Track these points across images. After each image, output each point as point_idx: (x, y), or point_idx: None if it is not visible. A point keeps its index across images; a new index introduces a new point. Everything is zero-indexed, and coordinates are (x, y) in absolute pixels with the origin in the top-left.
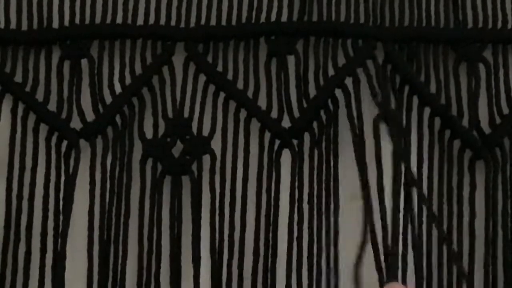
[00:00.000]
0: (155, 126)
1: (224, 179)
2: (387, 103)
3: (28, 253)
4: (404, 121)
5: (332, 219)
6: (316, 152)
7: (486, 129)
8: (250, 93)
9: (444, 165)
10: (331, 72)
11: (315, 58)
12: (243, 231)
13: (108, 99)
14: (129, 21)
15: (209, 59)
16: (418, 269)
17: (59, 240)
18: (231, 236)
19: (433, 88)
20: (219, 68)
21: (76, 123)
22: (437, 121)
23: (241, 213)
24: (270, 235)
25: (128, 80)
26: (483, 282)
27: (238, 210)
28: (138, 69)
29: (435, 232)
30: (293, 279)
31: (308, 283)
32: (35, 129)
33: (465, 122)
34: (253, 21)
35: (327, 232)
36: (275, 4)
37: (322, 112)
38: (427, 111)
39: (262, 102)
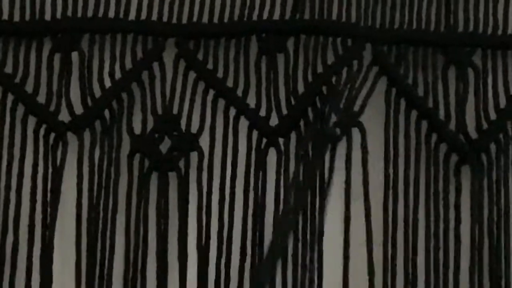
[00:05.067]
0: (144, 121)
1: (212, 177)
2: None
3: (15, 244)
4: (391, 124)
5: (317, 218)
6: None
7: (473, 134)
8: (239, 91)
9: (431, 169)
10: (320, 70)
11: (305, 56)
12: (230, 229)
13: (98, 93)
14: (121, 15)
15: (200, 56)
16: None
17: (47, 232)
18: (219, 233)
19: (421, 91)
20: (210, 65)
21: (64, 116)
22: (424, 124)
23: (228, 211)
24: (257, 233)
25: (118, 75)
26: None
27: (225, 208)
28: (128, 64)
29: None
30: (278, 278)
31: (292, 282)
32: (23, 121)
33: (452, 126)
34: (245, 19)
35: (312, 231)
36: (268, 2)
37: (309, 111)
38: (414, 114)
39: (251, 100)
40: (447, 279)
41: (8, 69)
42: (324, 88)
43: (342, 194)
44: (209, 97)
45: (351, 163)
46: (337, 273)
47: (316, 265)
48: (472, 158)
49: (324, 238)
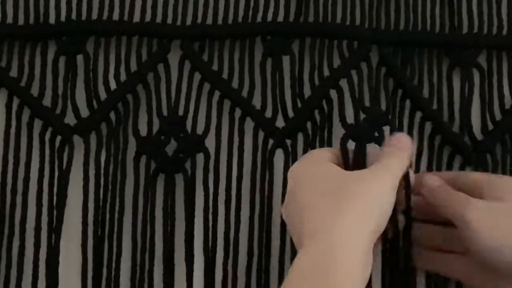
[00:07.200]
0: (150, 123)
1: (218, 178)
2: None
3: (22, 247)
4: (396, 125)
5: None
6: None
7: (478, 135)
8: (245, 92)
9: (433, 170)
10: (326, 73)
11: (311, 59)
12: (237, 230)
13: (103, 95)
14: (126, 18)
15: (205, 57)
16: None
17: (53, 235)
18: (225, 234)
19: (426, 93)
20: (215, 66)
21: (70, 119)
22: (428, 125)
23: (235, 212)
24: (264, 234)
25: (123, 77)
26: None
27: (232, 209)
28: (133, 66)
29: None
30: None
31: None
32: (29, 124)
33: (456, 127)
34: (249, 20)
35: None
36: (272, 4)
37: (316, 113)
38: (418, 115)
39: (256, 102)
40: (448, 278)
41: (14, 72)
42: (331, 91)
43: None
44: (215, 98)
45: None
46: None
47: None
48: (476, 159)
49: None
